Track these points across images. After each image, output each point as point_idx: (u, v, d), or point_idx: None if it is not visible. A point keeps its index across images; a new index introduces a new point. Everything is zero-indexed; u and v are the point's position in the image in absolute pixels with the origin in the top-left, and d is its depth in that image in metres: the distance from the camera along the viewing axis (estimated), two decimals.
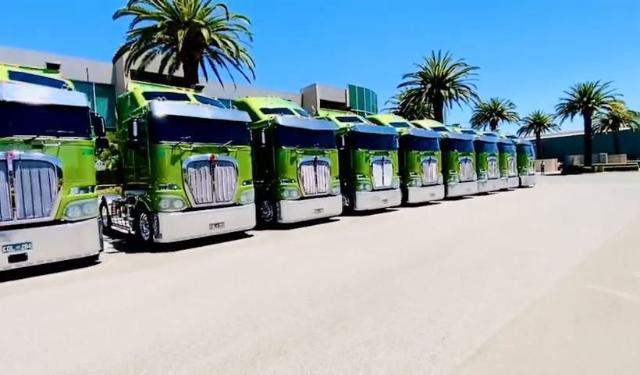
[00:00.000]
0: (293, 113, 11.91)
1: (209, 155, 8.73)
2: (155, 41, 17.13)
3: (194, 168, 8.53)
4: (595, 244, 7.04)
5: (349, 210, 13.46)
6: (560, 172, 50.36)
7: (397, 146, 14.92)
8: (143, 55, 19.44)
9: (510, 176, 23.54)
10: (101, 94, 22.72)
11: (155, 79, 21.05)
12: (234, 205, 9.25)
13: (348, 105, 35.65)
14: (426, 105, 38.53)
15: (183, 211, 8.34)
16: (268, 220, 11.23)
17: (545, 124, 63.63)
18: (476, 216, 12.48)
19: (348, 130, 13.33)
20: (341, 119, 14.16)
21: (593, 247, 6.80)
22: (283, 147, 10.73)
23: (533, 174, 26.90)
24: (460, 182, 18.43)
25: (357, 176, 13.30)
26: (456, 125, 25.14)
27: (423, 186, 15.93)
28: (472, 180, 19.27)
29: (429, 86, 33.96)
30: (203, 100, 9.82)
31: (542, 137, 67.54)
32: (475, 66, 34.03)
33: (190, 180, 8.41)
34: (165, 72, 21.03)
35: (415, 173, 15.69)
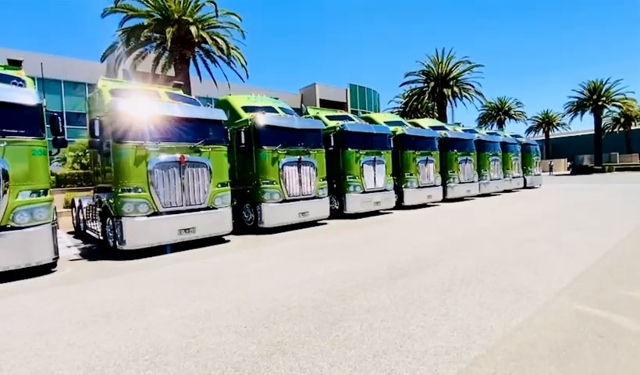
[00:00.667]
0: (277, 111, 11.32)
1: (178, 155, 8.18)
2: (142, 39, 16.68)
3: (161, 169, 7.98)
4: (593, 254, 6.31)
5: (339, 213, 12.85)
6: (569, 172, 48.97)
7: (391, 146, 14.25)
8: (134, 55, 19.04)
9: (514, 177, 22.66)
10: None
11: (148, 79, 20.67)
12: (207, 208, 8.68)
13: (349, 105, 34.99)
14: (430, 104, 37.69)
15: (149, 215, 7.79)
16: (249, 224, 10.66)
17: (554, 123, 62.09)
18: (472, 219, 11.74)
19: (337, 128, 12.70)
20: (331, 118, 13.54)
21: (591, 258, 6.08)
22: (264, 147, 10.14)
23: (539, 175, 25.93)
24: (459, 183, 17.66)
25: (347, 177, 12.66)
26: (458, 124, 24.35)
27: (419, 187, 15.22)
28: (473, 181, 18.47)
29: (432, 84, 33.13)
30: (175, 97, 9.28)
31: (551, 137, 65.99)
32: (480, 63, 33.11)
33: (156, 183, 7.87)
34: (158, 71, 20.62)
35: (411, 174, 14.99)
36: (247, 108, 10.96)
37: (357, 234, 9.75)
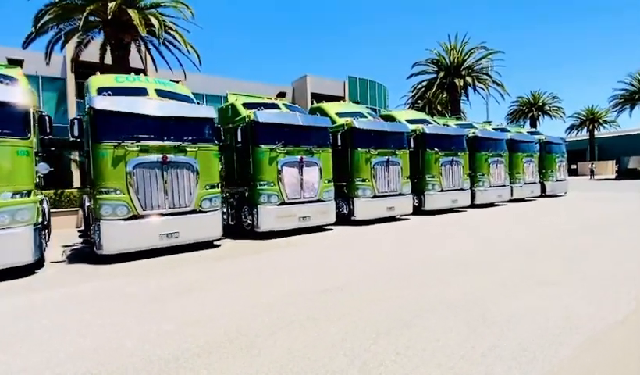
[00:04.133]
0: (147, 94, 8.42)
1: None
2: (49, 18, 14.39)
3: None
4: (568, 342, 2.83)
5: (252, 231, 9.76)
6: (614, 177, 42.29)
7: (331, 143, 10.97)
8: (74, 42, 16.95)
9: (526, 183, 18.32)
10: (49, 89, 20.78)
11: (98, 68, 18.60)
12: None
13: (347, 100, 31.51)
14: (445, 96, 33.30)
15: None
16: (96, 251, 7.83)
17: (600, 120, 54.48)
18: (420, 246, 8.22)
19: (246, 120, 9.61)
20: (249, 106, 10.43)
21: (561, 354, 2.63)
22: (104, 141, 7.28)
23: (564, 180, 21.22)
24: (442, 191, 13.90)
25: (259, 184, 9.52)
26: (459, 118, 20.43)
27: (376, 197, 11.73)
28: (463, 189, 14.60)
29: (441, 74, 28.93)
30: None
31: (597, 136, 58.13)
32: (498, 50, 28.48)
33: None
34: (108, 60, 18.46)
35: (363, 180, 11.54)
36: (104, 91, 8.14)
37: (254, 263, 6.66)
